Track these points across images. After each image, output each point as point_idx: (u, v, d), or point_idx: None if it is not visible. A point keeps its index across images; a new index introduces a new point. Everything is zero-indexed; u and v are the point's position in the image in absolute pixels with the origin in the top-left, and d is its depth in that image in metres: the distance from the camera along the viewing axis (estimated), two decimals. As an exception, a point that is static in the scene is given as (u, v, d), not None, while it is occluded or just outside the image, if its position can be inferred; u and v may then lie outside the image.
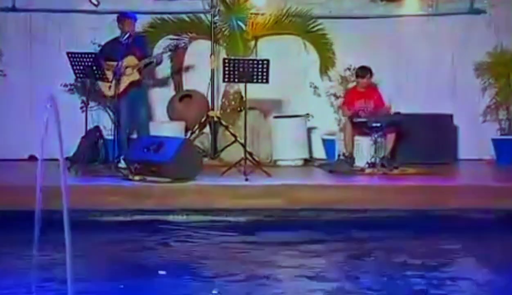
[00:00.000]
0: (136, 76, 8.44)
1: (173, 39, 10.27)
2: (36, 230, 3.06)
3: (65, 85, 9.83)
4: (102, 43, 9.04)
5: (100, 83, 8.40)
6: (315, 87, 10.52)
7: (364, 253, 5.34)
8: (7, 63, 10.49)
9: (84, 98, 9.22)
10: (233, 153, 8.50)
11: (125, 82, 8.31)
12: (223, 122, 9.17)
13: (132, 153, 7.72)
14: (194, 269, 4.80)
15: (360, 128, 8.76)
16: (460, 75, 10.74)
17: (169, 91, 10.54)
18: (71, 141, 8.08)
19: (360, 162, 8.77)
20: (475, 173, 9.44)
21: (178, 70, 10.61)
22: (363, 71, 9.11)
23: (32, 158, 9.90)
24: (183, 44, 9.50)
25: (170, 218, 6.36)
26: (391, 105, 9.11)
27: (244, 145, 7.84)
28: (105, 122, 9.75)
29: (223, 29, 10.26)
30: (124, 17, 8.57)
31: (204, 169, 7.60)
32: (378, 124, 8.52)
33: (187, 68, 10.57)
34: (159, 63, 8.93)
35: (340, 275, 4.68)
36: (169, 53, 9.31)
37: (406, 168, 8.38)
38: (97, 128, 9.05)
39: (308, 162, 10.01)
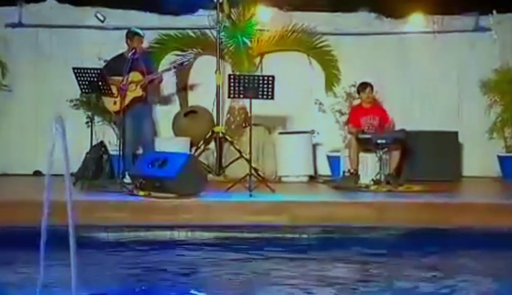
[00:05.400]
0: (139, 92, 8.44)
1: (179, 55, 10.32)
2: (41, 245, 3.06)
3: (71, 101, 9.86)
4: (108, 58, 9.07)
5: (105, 98, 8.41)
6: (320, 103, 10.54)
7: (369, 270, 5.32)
8: (13, 78, 10.55)
9: (89, 113, 9.24)
10: (238, 169, 8.49)
11: (128, 97, 8.31)
12: (228, 138, 9.18)
13: (137, 168, 7.72)
14: (197, 286, 4.78)
15: (365, 145, 8.76)
16: (466, 92, 10.76)
17: (174, 108, 10.58)
18: (76, 157, 8.08)
19: (365, 178, 8.77)
20: (481, 190, 9.41)
21: (183, 87, 10.66)
22: (363, 85, 9.15)
23: (37, 173, 9.92)
24: (187, 63, 9.54)
25: (175, 233, 6.33)
26: (393, 123, 9.08)
27: (249, 161, 7.83)
28: (111, 137, 9.77)
29: (229, 45, 10.30)
30: (133, 34, 8.60)
31: (209, 185, 7.58)
32: (383, 141, 8.52)
33: (192, 87, 10.62)
34: (160, 81, 8.94)
35: (344, 292, 4.65)
36: (173, 70, 9.33)
37: (411, 185, 8.36)
38: (101, 143, 9.05)
39: (313, 178, 10.01)
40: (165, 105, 10.53)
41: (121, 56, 8.60)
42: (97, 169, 8.62)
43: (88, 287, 4.14)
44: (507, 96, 10.38)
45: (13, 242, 5.58)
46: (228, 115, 10.30)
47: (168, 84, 10.40)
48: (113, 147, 9.15)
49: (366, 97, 9.13)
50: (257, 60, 10.63)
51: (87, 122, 9.17)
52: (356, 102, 9.70)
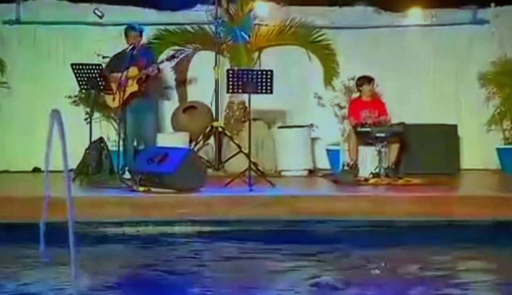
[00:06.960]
0: (135, 87, 8.39)
1: (177, 50, 10.31)
2: (41, 241, 3.07)
3: (69, 97, 9.86)
4: (106, 55, 9.06)
5: (104, 94, 8.40)
6: (319, 97, 10.55)
7: (369, 264, 5.33)
8: (12, 75, 10.55)
9: (88, 109, 9.24)
10: (238, 164, 8.49)
11: (126, 93, 8.28)
12: (227, 133, 9.18)
13: (137, 164, 7.72)
14: (197, 280, 4.80)
15: (364, 138, 8.75)
16: (464, 85, 10.77)
17: (173, 103, 10.58)
18: (75, 153, 8.08)
19: (364, 172, 8.76)
20: (480, 182, 9.42)
21: (182, 83, 10.66)
22: (362, 79, 9.15)
23: (36, 170, 9.94)
24: (179, 54, 9.44)
25: (175, 229, 6.34)
26: (390, 118, 9.05)
27: (248, 156, 7.83)
28: (110, 133, 9.78)
29: (227, 40, 10.30)
30: (130, 30, 8.57)
31: (209, 180, 7.58)
32: (382, 135, 8.52)
33: (191, 81, 10.62)
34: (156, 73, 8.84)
35: (344, 286, 4.66)
36: (166, 62, 9.25)
37: (410, 178, 8.37)
38: (101, 139, 9.06)
39: (312, 172, 10.01)
40: (163, 100, 10.52)
41: (121, 52, 8.57)
42: (96, 165, 8.63)
43: (88, 282, 4.16)
44: (505, 88, 10.39)
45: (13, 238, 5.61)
46: (227, 110, 10.30)
47: (167, 80, 10.42)
48: (112, 143, 9.16)
49: (368, 91, 9.13)
50: (256, 55, 10.63)
51: (86, 119, 9.17)
52: (355, 95, 9.70)
